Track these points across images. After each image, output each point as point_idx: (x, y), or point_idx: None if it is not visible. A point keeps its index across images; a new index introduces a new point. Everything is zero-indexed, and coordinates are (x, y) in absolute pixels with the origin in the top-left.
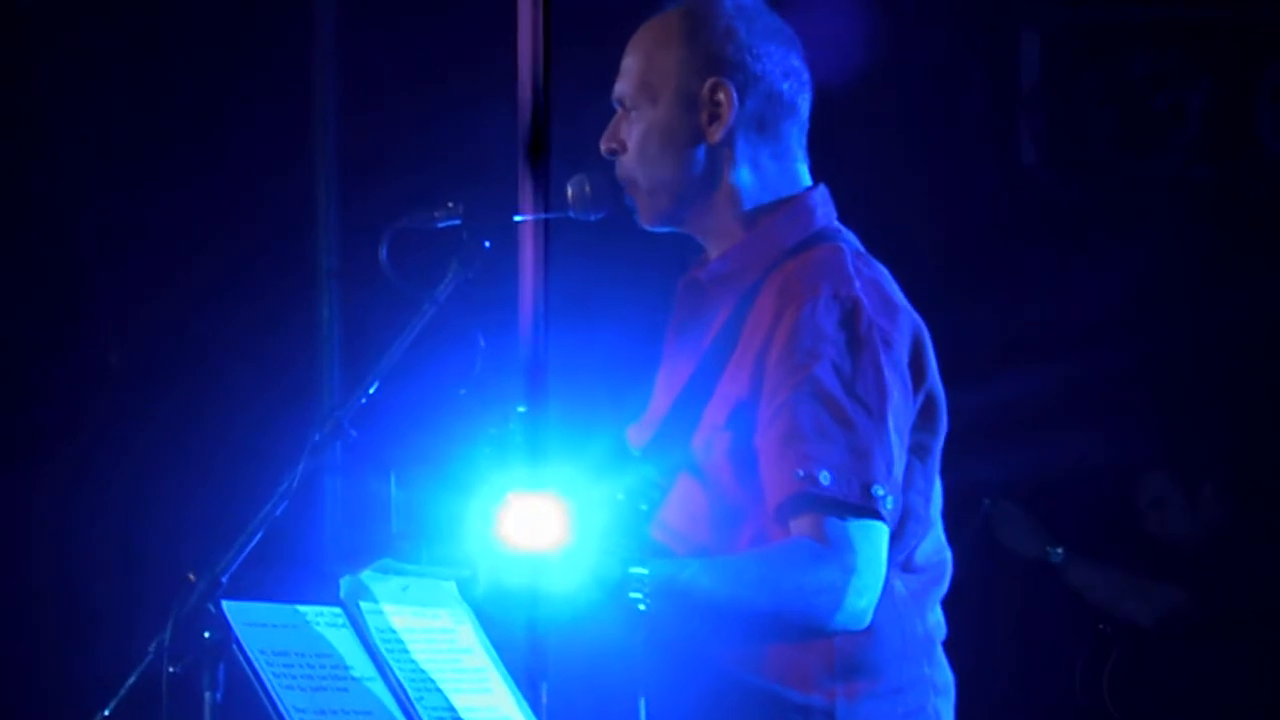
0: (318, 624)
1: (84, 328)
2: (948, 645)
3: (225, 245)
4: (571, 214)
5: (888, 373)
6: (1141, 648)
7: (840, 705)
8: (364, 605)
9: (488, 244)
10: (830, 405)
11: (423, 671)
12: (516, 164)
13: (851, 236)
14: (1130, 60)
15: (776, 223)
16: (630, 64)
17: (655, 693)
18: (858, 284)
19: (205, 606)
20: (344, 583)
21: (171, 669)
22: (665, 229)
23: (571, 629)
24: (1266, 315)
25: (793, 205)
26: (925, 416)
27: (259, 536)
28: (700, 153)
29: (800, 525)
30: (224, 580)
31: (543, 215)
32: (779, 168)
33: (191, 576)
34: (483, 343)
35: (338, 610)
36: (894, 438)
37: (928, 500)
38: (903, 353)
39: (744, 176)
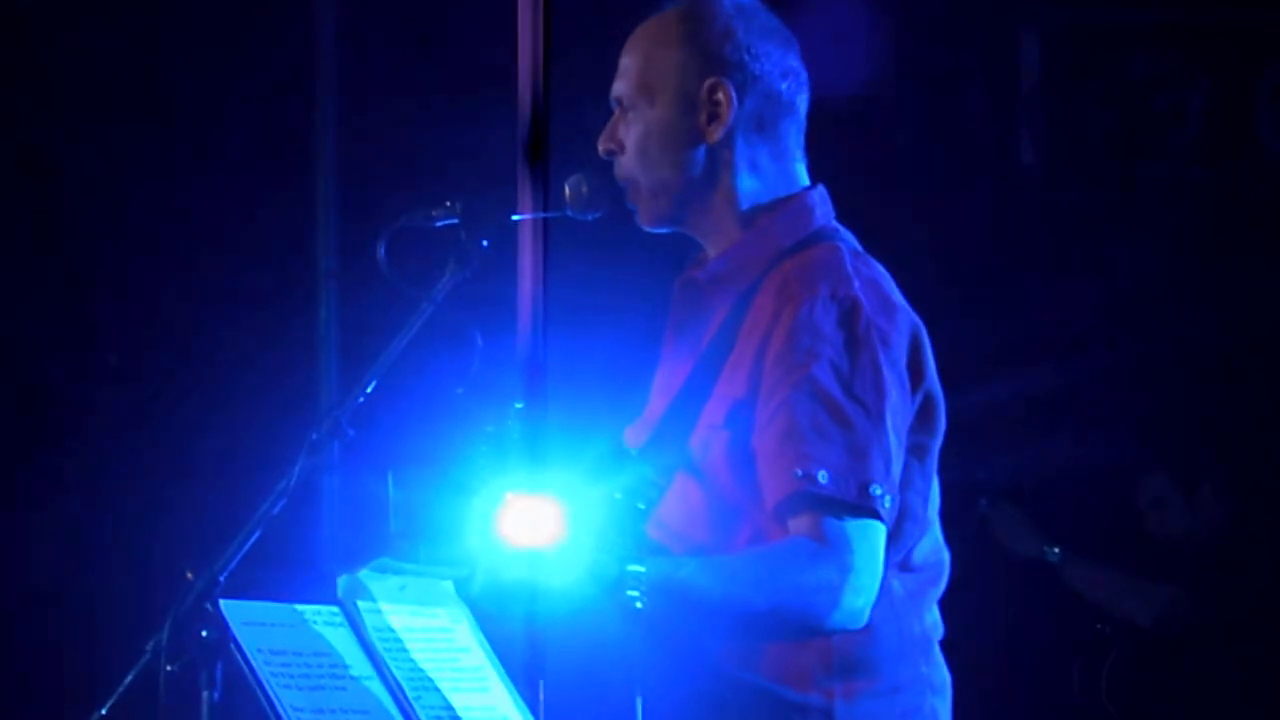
0: (315, 623)
1: (84, 328)
2: (945, 645)
3: (225, 245)
4: (570, 213)
5: (886, 372)
6: (1140, 648)
7: (838, 704)
8: (361, 604)
9: (486, 243)
10: (828, 405)
11: (420, 670)
12: (515, 164)
13: (850, 236)
14: (1130, 61)
15: (775, 222)
16: (628, 64)
17: (652, 691)
18: (856, 284)
19: (203, 605)
20: (341, 581)
21: (169, 668)
22: (664, 229)
23: (569, 627)
24: (1266, 315)
25: (791, 205)
26: (923, 416)
27: (257, 535)
28: (699, 153)
29: (798, 524)
30: (222, 579)
31: (541, 214)
32: (778, 168)
33: (189, 575)
34: (481, 342)
35: (335, 609)
36: (892, 437)
37: (926, 500)
38: (901, 352)
39: (743, 177)
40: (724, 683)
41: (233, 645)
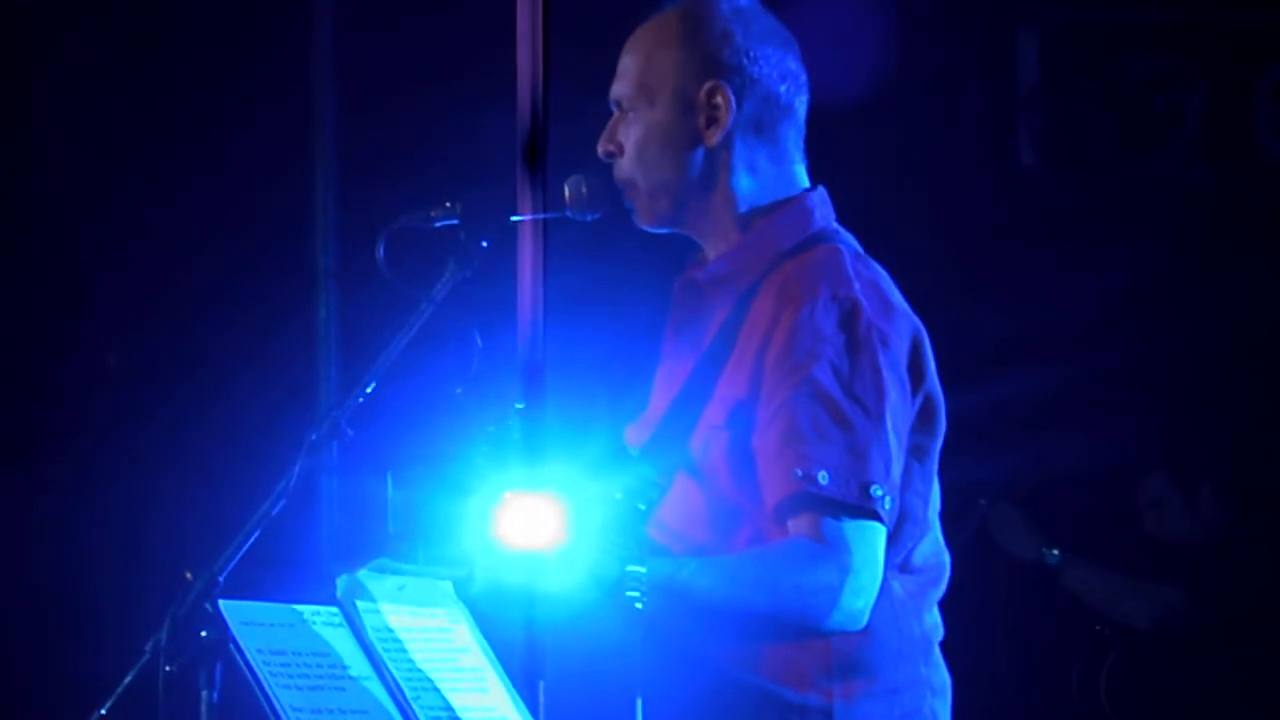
0: (315, 623)
1: (84, 328)
2: (945, 646)
3: (224, 245)
4: (569, 214)
5: (886, 374)
6: (1139, 649)
7: (837, 705)
8: (361, 604)
9: (485, 243)
10: (829, 406)
11: (419, 670)
12: (515, 164)
13: (850, 238)
14: (1129, 61)
15: (774, 224)
16: (627, 66)
17: (652, 691)
18: (856, 285)
19: (202, 606)
20: (341, 582)
21: (168, 668)
22: (663, 229)
23: (569, 628)
24: (1266, 315)
25: (791, 207)
26: (923, 418)
27: (256, 536)
28: (698, 155)
29: (798, 525)
30: (221, 579)
31: (540, 215)
32: (777, 170)
33: (189, 575)
34: (480, 342)
35: (334, 609)
36: (892, 439)
37: (926, 502)
38: (901, 354)
39: (742, 179)
40: (723, 683)
41: (232, 645)
